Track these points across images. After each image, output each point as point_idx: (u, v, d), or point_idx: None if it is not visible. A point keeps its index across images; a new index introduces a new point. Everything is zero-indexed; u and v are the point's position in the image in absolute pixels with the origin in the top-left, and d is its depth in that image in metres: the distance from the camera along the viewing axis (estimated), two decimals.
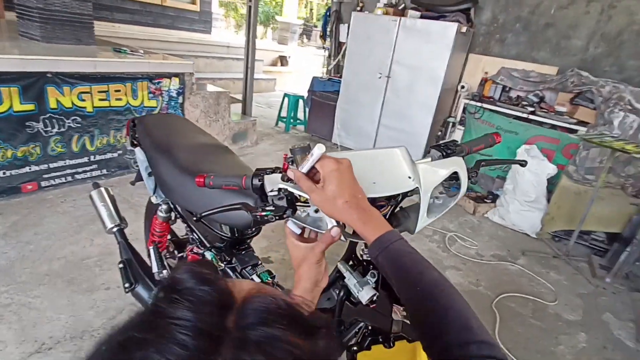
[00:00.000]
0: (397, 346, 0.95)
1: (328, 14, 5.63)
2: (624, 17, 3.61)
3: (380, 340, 0.98)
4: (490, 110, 3.95)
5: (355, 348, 0.99)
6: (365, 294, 0.93)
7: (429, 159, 0.93)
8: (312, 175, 0.73)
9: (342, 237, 0.78)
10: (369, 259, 0.99)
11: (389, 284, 0.95)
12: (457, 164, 0.91)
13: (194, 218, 0.99)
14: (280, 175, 0.85)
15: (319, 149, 0.68)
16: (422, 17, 4.27)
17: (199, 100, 3.99)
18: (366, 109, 4.78)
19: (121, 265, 1.56)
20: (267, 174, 0.88)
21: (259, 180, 0.89)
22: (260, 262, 1.43)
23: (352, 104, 4.90)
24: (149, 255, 1.72)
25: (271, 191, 0.83)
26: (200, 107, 4.02)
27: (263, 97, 7.83)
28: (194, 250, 1.46)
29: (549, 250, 3.21)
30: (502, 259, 3.00)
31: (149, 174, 1.56)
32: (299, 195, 0.83)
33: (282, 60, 10.34)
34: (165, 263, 1.56)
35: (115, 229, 1.61)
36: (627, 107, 3.28)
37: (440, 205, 0.93)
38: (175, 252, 1.74)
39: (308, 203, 0.85)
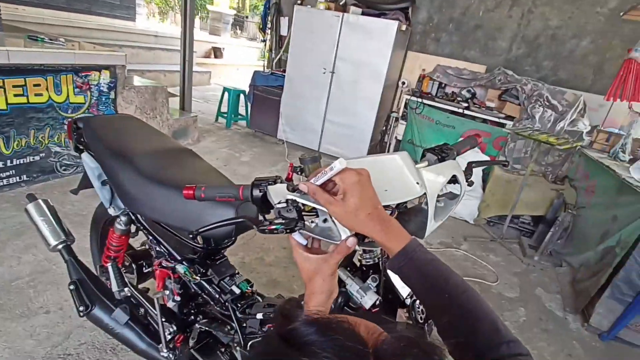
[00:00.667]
0: None
1: (268, 5, 5.50)
2: (540, 22, 4.04)
3: None
4: (430, 105, 4.18)
5: None
6: (369, 299, 0.92)
7: (426, 163, 0.95)
8: (326, 187, 0.70)
9: (357, 246, 0.77)
10: (368, 264, 0.99)
11: (389, 287, 0.97)
12: (454, 168, 0.94)
13: (190, 235, 0.90)
14: (285, 185, 0.81)
15: (340, 164, 0.65)
16: (363, 14, 4.35)
17: (133, 96, 3.66)
18: (311, 104, 4.78)
19: (72, 287, 1.38)
20: (269, 184, 0.83)
21: (260, 191, 0.83)
22: (237, 271, 1.36)
23: (296, 99, 4.87)
24: (102, 273, 1.55)
25: (279, 203, 0.78)
26: (135, 102, 3.70)
27: (198, 91, 7.43)
28: (163, 264, 1.34)
29: (486, 235, 3.52)
30: (448, 245, 3.21)
31: (103, 183, 1.40)
32: (304, 205, 0.80)
33: (216, 51, 9.91)
34: (126, 280, 1.42)
35: (60, 246, 1.42)
36: (545, 103, 3.68)
37: (443, 208, 0.96)
38: (133, 266, 1.59)
39: (314, 212, 0.82)
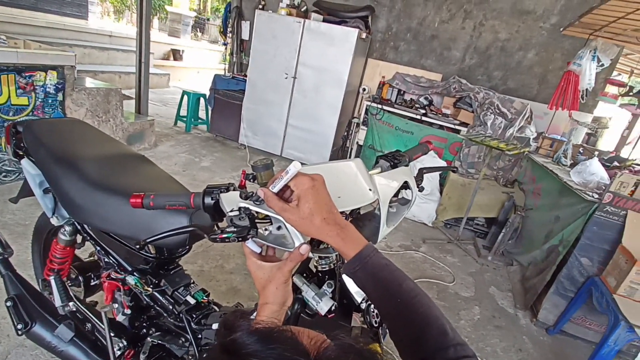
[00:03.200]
0: None
1: (228, 9, 5.43)
2: (491, 34, 4.27)
3: None
4: (389, 111, 4.29)
5: None
6: (324, 305, 0.92)
7: (379, 170, 0.97)
8: (283, 193, 0.70)
9: (310, 254, 0.77)
10: (324, 269, 1.00)
11: (345, 292, 0.97)
12: (406, 174, 0.97)
13: (137, 246, 0.87)
14: (237, 192, 0.80)
15: (294, 167, 0.65)
16: (324, 21, 4.40)
17: (83, 98, 3.48)
18: (274, 109, 4.75)
19: (10, 303, 1.28)
20: (221, 191, 0.81)
21: (212, 199, 0.82)
22: (192, 281, 1.32)
23: (258, 104, 4.82)
24: (44, 287, 1.45)
25: (231, 211, 0.76)
26: (85, 105, 3.51)
27: (156, 94, 7.18)
28: (112, 276, 1.27)
29: (444, 237, 3.65)
30: (408, 248, 3.30)
31: (45, 191, 1.31)
32: (257, 213, 0.79)
33: (175, 54, 9.63)
34: (71, 293, 1.33)
35: None
36: (496, 110, 3.89)
37: (395, 214, 0.98)
38: (80, 278, 1.49)
39: (267, 220, 0.81)
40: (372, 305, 0.96)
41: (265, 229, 0.81)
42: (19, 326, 1.25)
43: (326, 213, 0.66)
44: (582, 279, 2.38)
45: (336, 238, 0.67)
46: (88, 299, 1.54)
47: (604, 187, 2.42)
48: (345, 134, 4.48)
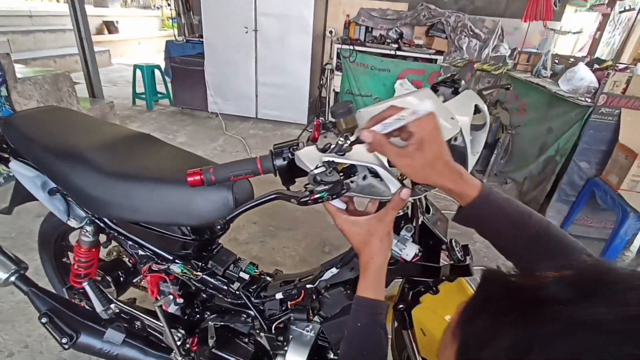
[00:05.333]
0: (442, 289, 0.95)
1: None
2: None
3: (423, 290, 0.96)
4: (362, 51, 4.13)
5: (402, 306, 0.96)
6: (409, 251, 0.88)
7: (442, 98, 0.89)
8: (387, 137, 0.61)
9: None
10: (399, 215, 0.94)
11: (429, 233, 0.92)
12: (473, 97, 0.89)
13: (218, 227, 0.77)
14: (313, 147, 0.71)
15: (426, 106, 0.56)
16: None
17: (30, 89, 3.09)
18: (239, 69, 4.46)
19: (45, 319, 1.16)
20: (294, 148, 0.72)
21: (284, 159, 0.72)
22: (238, 257, 1.24)
23: (222, 66, 4.50)
24: (72, 295, 1.34)
25: (316, 167, 0.67)
26: (35, 97, 3.13)
27: (101, 74, 6.55)
28: (154, 268, 1.17)
29: None
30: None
31: (51, 192, 1.15)
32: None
33: (109, 26, 8.71)
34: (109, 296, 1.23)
35: (13, 278, 1.18)
36: (469, 33, 3.83)
37: (474, 141, 0.91)
38: (109, 279, 1.38)
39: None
40: (454, 241, 0.93)
41: (351, 181, 0.73)
42: (64, 340, 1.15)
43: (447, 155, 0.59)
44: (583, 182, 2.49)
45: (458, 181, 0.61)
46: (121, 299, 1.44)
47: (594, 90, 2.47)
48: (321, 82, 4.31)
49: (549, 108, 2.87)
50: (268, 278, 1.24)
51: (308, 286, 1.07)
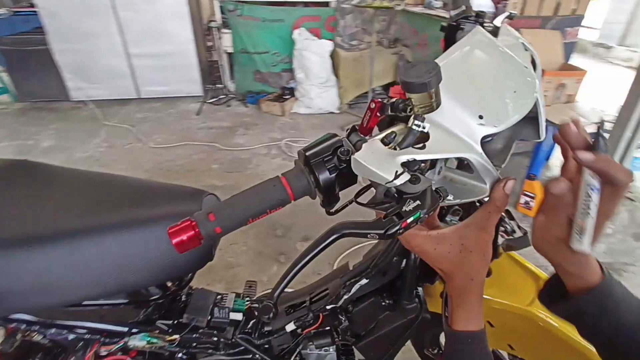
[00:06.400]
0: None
1: None
2: None
3: None
4: (248, 2, 3.64)
5: None
6: None
7: (470, 36, 0.67)
8: None
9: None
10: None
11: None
12: (512, 34, 0.69)
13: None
14: (375, 141, 0.45)
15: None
16: None
17: None
18: (100, 41, 3.60)
19: None
20: (344, 151, 0.45)
21: (333, 170, 0.46)
22: (217, 293, 0.93)
23: (75, 41, 3.57)
24: None
25: (397, 176, 0.42)
26: None
27: None
28: (102, 353, 0.80)
29: (356, 118, 3.61)
30: None
31: None
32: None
33: None
34: None
35: None
36: None
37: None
38: None
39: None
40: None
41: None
42: None
43: None
44: None
45: (582, 262, 0.45)
46: None
47: (494, 15, 2.53)
48: (210, 43, 3.73)
49: None
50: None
51: (329, 307, 0.85)
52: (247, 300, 0.95)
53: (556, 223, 0.42)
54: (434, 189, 0.48)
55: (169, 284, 0.83)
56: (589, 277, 0.46)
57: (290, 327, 0.87)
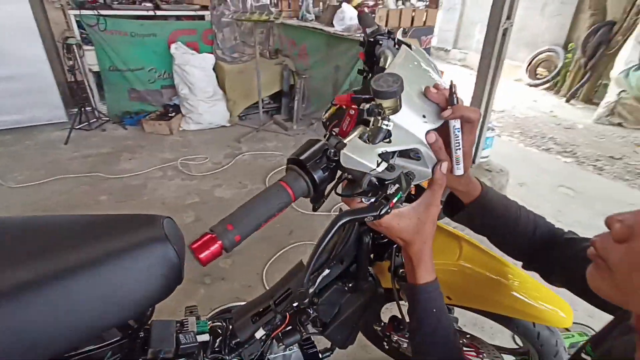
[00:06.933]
0: None
1: None
2: None
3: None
4: (111, 16, 3.34)
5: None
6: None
7: (390, 55, 0.81)
8: None
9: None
10: None
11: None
12: (415, 47, 0.85)
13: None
14: (353, 138, 0.55)
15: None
16: None
17: None
18: None
19: None
20: (332, 152, 0.53)
21: (327, 169, 0.54)
22: (178, 321, 0.90)
23: None
24: None
25: (378, 165, 0.53)
26: None
27: None
28: None
29: (249, 129, 3.63)
30: (232, 155, 3.14)
31: None
32: None
33: None
34: None
35: None
36: None
37: None
38: None
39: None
40: None
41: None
42: None
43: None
44: None
45: (467, 181, 0.68)
46: None
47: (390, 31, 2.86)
48: (71, 62, 3.27)
49: (329, 48, 3.18)
50: (230, 317, 0.97)
51: (295, 304, 0.90)
52: (208, 320, 0.93)
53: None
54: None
55: (131, 322, 0.77)
56: (473, 191, 0.68)
57: (259, 333, 0.90)
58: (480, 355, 1.12)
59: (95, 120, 3.53)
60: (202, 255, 0.44)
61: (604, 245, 0.42)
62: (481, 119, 2.24)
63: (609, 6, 4.71)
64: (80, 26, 3.31)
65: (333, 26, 3.11)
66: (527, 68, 5.84)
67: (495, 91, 2.31)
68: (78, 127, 3.39)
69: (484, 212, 0.70)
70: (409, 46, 0.77)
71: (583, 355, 0.57)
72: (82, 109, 3.38)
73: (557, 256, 0.68)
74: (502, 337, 1.57)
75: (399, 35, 0.87)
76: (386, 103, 0.53)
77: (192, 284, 1.84)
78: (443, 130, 0.57)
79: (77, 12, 3.23)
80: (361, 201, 0.56)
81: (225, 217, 0.48)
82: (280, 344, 0.93)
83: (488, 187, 0.70)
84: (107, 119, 3.61)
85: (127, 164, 2.97)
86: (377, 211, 0.52)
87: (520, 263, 0.77)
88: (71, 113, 3.48)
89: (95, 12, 3.25)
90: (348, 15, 2.91)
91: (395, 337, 1.21)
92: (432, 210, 0.61)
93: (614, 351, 0.53)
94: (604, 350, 0.55)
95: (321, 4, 3.77)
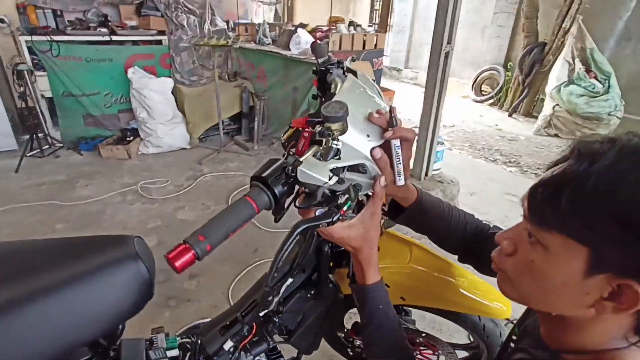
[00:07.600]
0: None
1: None
2: None
3: None
4: (65, 42, 3.29)
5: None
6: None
7: (339, 83, 0.91)
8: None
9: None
10: None
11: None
12: (367, 71, 0.96)
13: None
14: (308, 157, 0.64)
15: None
16: None
17: None
18: None
19: None
20: (290, 169, 0.62)
21: (284, 185, 0.62)
22: (147, 339, 0.92)
23: None
24: None
25: (330, 179, 0.62)
26: None
27: None
28: None
29: (210, 150, 3.64)
30: (194, 177, 3.14)
31: None
32: None
33: None
34: None
35: None
36: (184, 9, 3.72)
37: None
38: None
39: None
40: None
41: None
42: None
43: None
44: None
45: (405, 188, 0.77)
46: None
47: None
48: (22, 89, 3.15)
49: (287, 71, 3.31)
50: (197, 331, 1.00)
51: (262, 314, 0.96)
52: (177, 336, 0.97)
53: (387, 173, 0.69)
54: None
55: (101, 340, 0.80)
56: (411, 197, 0.79)
57: (228, 345, 0.94)
58: (436, 352, 1.22)
59: (48, 146, 3.41)
60: (177, 264, 0.50)
61: (500, 260, 0.54)
62: (430, 134, 2.42)
63: (540, 29, 5.23)
64: (31, 52, 3.22)
65: (290, 50, 3.24)
66: (472, 85, 6.29)
67: (442, 107, 2.51)
68: (30, 154, 3.26)
69: (421, 214, 0.80)
70: (355, 74, 0.89)
71: (513, 337, 0.67)
72: (34, 135, 3.26)
73: (485, 249, 0.79)
74: (458, 336, 1.68)
75: (347, 63, 0.98)
76: (334, 126, 0.62)
77: (156, 307, 1.83)
78: (385, 148, 0.67)
79: (28, 37, 3.16)
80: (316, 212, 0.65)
81: (197, 229, 0.54)
82: (249, 354, 0.98)
83: (423, 191, 0.81)
84: (61, 145, 3.50)
85: (84, 191, 2.89)
86: (330, 218, 0.60)
87: (457, 257, 0.87)
88: (22, 140, 3.35)
89: (48, 38, 3.19)
90: (304, 40, 3.06)
91: (358, 342, 1.29)
92: (375, 218, 0.70)
93: (527, 328, 0.64)
94: (523, 328, 0.66)
95: (277, 28, 3.91)
